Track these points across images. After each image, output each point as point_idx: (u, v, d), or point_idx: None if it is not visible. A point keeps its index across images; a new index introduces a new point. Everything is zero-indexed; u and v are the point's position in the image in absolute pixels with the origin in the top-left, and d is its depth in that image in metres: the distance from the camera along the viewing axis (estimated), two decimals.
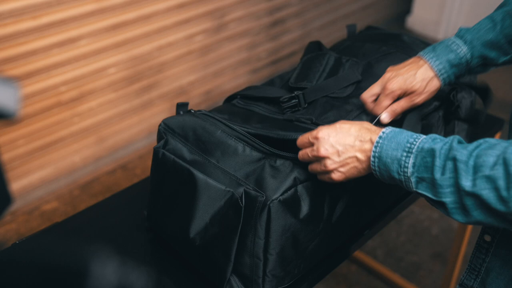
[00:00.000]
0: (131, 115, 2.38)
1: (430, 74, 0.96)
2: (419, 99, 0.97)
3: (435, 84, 0.97)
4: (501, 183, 0.65)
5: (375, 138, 0.78)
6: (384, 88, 0.97)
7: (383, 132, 0.78)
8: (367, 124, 0.83)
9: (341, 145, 0.81)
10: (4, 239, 1.95)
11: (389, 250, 2.00)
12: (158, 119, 2.46)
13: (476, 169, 0.67)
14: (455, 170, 0.69)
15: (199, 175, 0.90)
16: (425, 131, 1.04)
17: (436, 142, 0.73)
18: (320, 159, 0.83)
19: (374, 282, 1.90)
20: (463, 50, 0.96)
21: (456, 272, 1.64)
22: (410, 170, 0.74)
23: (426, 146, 0.73)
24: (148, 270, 0.98)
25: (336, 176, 0.83)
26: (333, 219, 0.94)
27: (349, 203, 0.96)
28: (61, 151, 2.18)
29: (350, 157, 0.81)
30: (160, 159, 0.97)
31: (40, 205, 2.15)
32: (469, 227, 1.53)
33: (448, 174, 0.70)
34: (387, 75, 0.98)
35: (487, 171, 0.66)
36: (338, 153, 0.81)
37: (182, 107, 1.05)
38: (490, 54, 0.96)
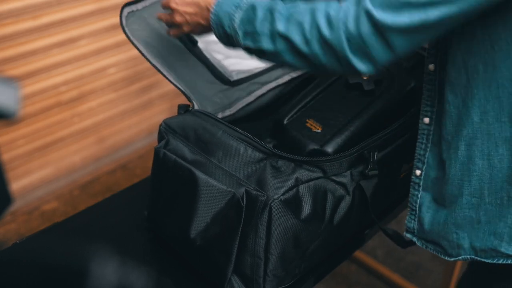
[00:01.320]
0: (131, 115, 2.38)
1: None
2: None
3: None
4: (307, 26, 0.77)
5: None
6: None
7: None
8: None
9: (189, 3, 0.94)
10: (4, 239, 1.95)
11: (389, 250, 2.00)
12: (158, 119, 2.46)
13: (290, 16, 0.79)
14: (272, 18, 0.80)
15: (200, 175, 0.90)
16: None
17: (258, 1, 0.84)
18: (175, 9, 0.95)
19: (374, 282, 1.90)
20: None
21: (456, 272, 1.64)
22: (237, 23, 0.84)
23: (252, 1, 0.84)
24: (148, 270, 0.98)
25: (182, 17, 0.94)
26: (335, 220, 0.94)
27: (352, 204, 0.96)
28: (61, 151, 2.18)
29: (195, 2, 0.92)
30: (161, 159, 0.97)
31: (40, 205, 2.15)
32: None
33: (267, 23, 0.81)
34: None
35: (298, 17, 0.79)
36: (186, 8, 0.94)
37: (183, 109, 1.05)
38: None
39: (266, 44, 0.81)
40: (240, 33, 0.84)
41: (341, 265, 1.10)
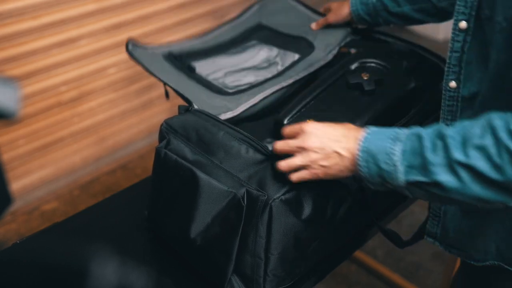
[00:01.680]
0: (131, 115, 2.38)
1: (345, 4, 1.31)
2: (332, 18, 1.33)
3: (345, 10, 1.30)
4: (492, 150, 0.67)
5: (360, 135, 0.78)
6: None
7: (368, 128, 0.79)
8: (350, 125, 0.83)
9: (327, 138, 0.81)
10: (4, 239, 1.95)
11: (389, 250, 2.00)
12: (158, 119, 2.46)
13: (465, 140, 0.69)
14: (445, 146, 0.69)
15: (201, 175, 0.90)
16: None
17: (419, 129, 0.75)
18: (304, 151, 0.82)
19: (374, 282, 1.90)
20: None
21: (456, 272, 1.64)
22: (398, 157, 0.73)
23: (412, 132, 0.74)
24: (148, 270, 0.98)
25: (316, 171, 0.82)
26: (336, 221, 0.94)
27: (353, 205, 0.96)
28: (61, 151, 2.18)
29: (334, 152, 0.79)
30: (163, 159, 0.97)
31: (40, 205, 2.15)
32: None
33: (439, 151, 0.70)
34: None
35: (477, 141, 0.68)
36: (324, 147, 0.80)
37: (184, 109, 1.06)
38: (387, 2, 1.22)
39: (443, 176, 0.70)
40: (401, 167, 0.73)
41: (341, 265, 1.10)
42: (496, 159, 0.66)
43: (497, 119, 0.68)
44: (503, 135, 0.66)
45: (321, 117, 1.06)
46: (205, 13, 2.46)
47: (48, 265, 0.73)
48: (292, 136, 0.85)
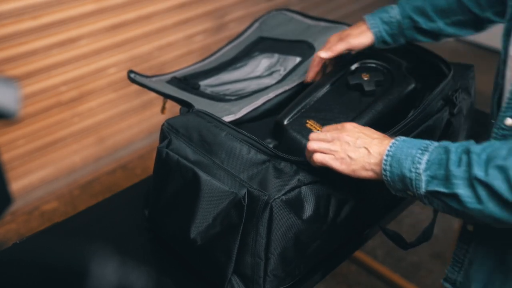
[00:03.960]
0: (131, 115, 2.38)
1: (364, 27, 1.14)
2: (353, 41, 1.12)
3: (367, 35, 1.13)
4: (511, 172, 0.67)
5: (392, 142, 0.80)
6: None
7: (399, 137, 0.80)
8: (386, 135, 0.85)
9: (363, 135, 0.83)
10: (4, 239, 1.95)
11: (389, 250, 2.00)
12: (158, 119, 2.46)
13: (489, 160, 0.69)
14: (469, 162, 0.70)
15: (203, 175, 0.90)
16: (429, 132, 1.04)
17: (449, 143, 0.75)
18: (338, 140, 0.84)
19: (374, 282, 1.90)
20: (394, 10, 1.11)
21: None
22: (423, 166, 0.74)
23: (441, 144, 0.75)
24: (148, 270, 0.98)
25: (342, 160, 0.83)
26: (337, 222, 0.94)
27: (355, 206, 0.96)
28: (61, 151, 2.18)
29: (364, 148, 0.82)
30: (164, 158, 0.97)
31: (40, 205, 2.15)
32: None
33: (463, 166, 0.71)
34: None
35: (499, 162, 0.68)
36: (356, 141, 0.83)
37: (185, 109, 1.06)
38: (417, 18, 1.10)
39: (462, 190, 0.71)
40: (424, 177, 0.74)
41: (341, 265, 1.10)
42: None
43: None
44: None
45: (321, 118, 1.06)
46: (205, 13, 2.46)
47: (48, 265, 0.73)
48: (331, 129, 0.88)
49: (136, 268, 0.77)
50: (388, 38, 1.13)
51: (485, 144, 0.72)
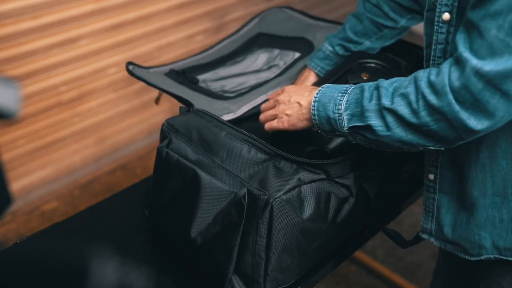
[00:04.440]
0: (131, 115, 2.38)
1: (306, 72, 1.20)
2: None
3: (310, 77, 1.19)
4: (412, 97, 0.77)
5: (318, 90, 0.90)
6: None
7: (326, 84, 0.90)
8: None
9: (295, 93, 0.94)
10: (4, 239, 1.95)
11: (389, 250, 2.00)
12: (158, 119, 2.46)
13: (395, 91, 0.80)
14: (379, 95, 0.81)
15: (203, 175, 0.90)
16: None
17: (364, 83, 0.85)
18: (277, 103, 0.96)
19: (374, 282, 1.90)
20: (325, 45, 1.19)
21: None
22: (343, 107, 0.84)
23: (357, 85, 0.86)
24: (148, 270, 0.98)
25: (282, 120, 0.93)
26: (338, 221, 0.94)
27: (355, 206, 0.96)
28: (61, 151, 2.18)
29: (296, 102, 0.92)
30: (164, 158, 0.97)
31: (40, 205, 2.15)
32: None
33: (374, 100, 0.81)
34: None
35: (402, 90, 0.79)
36: (290, 99, 0.94)
37: (185, 109, 1.06)
38: (346, 44, 1.17)
39: (374, 120, 0.81)
40: (345, 116, 0.84)
41: (341, 265, 1.10)
42: (414, 104, 0.77)
43: (422, 71, 0.79)
44: (422, 84, 0.77)
45: None
46: (205, 13, 2.46)
47: (48, 265, 0.73)
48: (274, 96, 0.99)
49: (136, 268, 0.76)
50: (330, 68, 1.19)
51: (394, 79, 0.82)
